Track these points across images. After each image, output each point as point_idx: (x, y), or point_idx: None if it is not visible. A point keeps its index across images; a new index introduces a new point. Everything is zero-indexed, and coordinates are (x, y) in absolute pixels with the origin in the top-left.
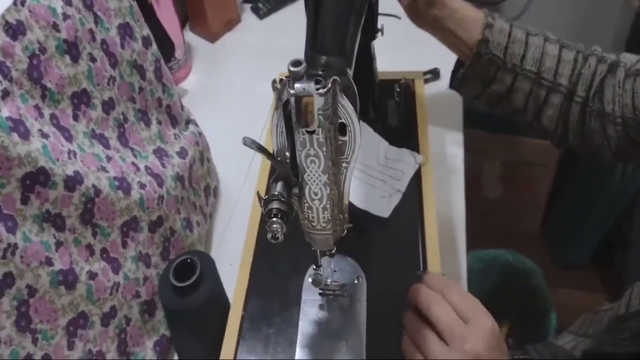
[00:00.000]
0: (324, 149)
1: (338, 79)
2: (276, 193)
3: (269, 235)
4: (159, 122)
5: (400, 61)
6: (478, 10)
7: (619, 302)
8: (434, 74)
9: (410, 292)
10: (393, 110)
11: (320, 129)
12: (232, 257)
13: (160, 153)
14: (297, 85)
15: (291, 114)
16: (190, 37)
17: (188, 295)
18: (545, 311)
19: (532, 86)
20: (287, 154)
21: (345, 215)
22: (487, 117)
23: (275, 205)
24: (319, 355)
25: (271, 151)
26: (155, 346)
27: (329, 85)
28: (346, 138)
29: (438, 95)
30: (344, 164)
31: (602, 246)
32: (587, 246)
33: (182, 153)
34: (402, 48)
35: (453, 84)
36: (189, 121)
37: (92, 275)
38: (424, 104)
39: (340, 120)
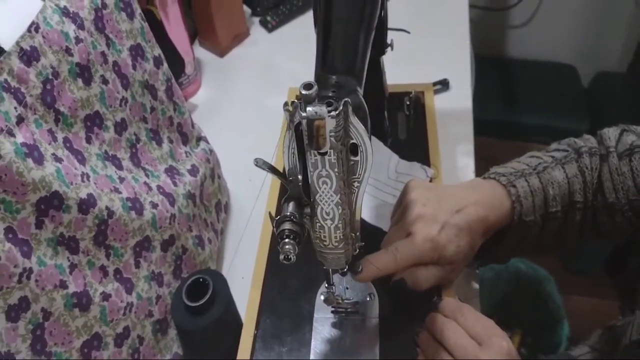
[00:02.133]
0: (336, 169)
1: (349, 100)
2: (288, 214)
3: (282, 257)
4: (170, 141)
5: (409, 72)
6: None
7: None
8: (444, 84)
9: (427, 321)
10: (403, 123)
11: (332, 151)
12: (243, 272)
13: (171, 172)
14: (309, 108)
15: (303, 135)
16: (200, 51)
17: (201, 315)
18: (558, 319)
19: (560, 220)
20: (300, 177)
21: (357, 234)
22: (496, 124)
23: (287, 226)
24: None
25: (282, 170)
26: None
27: (341, 107)
28: (358, 158)
29: (448, 105)
30: (355, 184)
31: (614, 252)
32: (600, 252)
33: (193, 171)
34: (411, 59)
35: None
36: (199, 138)
37: (106, 297)
38: (434, 116)
39: (351, 141)
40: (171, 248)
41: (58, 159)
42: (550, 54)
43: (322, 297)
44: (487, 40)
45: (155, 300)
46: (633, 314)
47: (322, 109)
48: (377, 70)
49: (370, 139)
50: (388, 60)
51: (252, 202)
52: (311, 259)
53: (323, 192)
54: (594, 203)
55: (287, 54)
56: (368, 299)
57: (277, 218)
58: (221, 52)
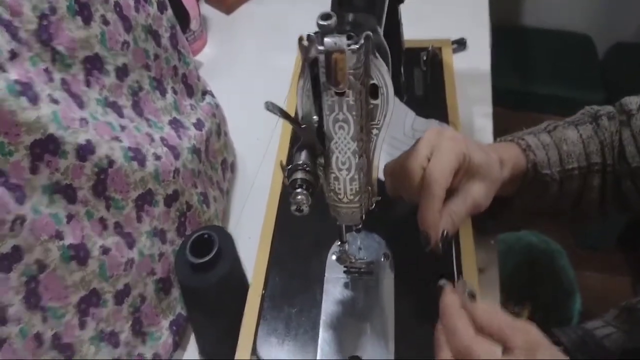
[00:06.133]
0: (354, 112)
1: (372, 34)
2: (301, 162)
3: (293, 207)
4: (175, 92)
5: (425, 31)
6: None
7: None
8: (461, 44)
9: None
10: (420, 80)
11: (350, 91)
12: (250, 232)
13: (176, 124)
14: (327, 39)
15: (319, 74)
16: (206, 8)
17: (205, 273)
18: (570, 294)
19: (578, 181)
20: (315, 117)
21: (374, 188)
22: (509, 94)
23: (299, 175)
24: (344, 337)
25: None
26: (172, 326)
27: (362, 41)
28: (378, 101)
29: (465, 66)
30: (374, 131)
31: (628, 228)
32: (613, 227)
33: (198, 124)
34: (427, 18)
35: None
36: (205, 92)
37: (105, 251)
38: (452, 73)
39: (372, 82)
40: (175, 204)
41: (54, 101)
42: (566, 24)
43: (334, 257)
44: (502, 8)
45: (158, 257)
46: None
47: (342, 40)
48: (394, 20)
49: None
50: (403, 17)
51: (259, 163)
52: (323, 216)
53: (339, 138)
54: (616, 168)
55: (298, 12)
56: (383, 259)
57: (288, 167)
58: (228, 10)
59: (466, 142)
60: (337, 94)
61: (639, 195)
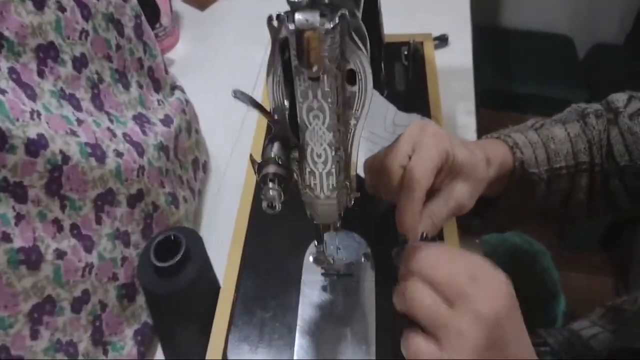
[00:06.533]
0: (330, 99)
1: (347, 13)
2: (272, 156)
3: (264, 204)
4: (140, 86)
5: (405, 27)
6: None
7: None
8: (442, 40)
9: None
10: (401, 74)
11: (325, 76)
12: (223, 236)
13: (141, 119)
14: (298, 16)
15: (290, 58)
16: (179, 5)
17: (172, 277)
18: (553, 295)
19: (566, 180)
20: (286, 103)
21: (353, 184)
22: (491, 94)
23: (271, 169)
24: (321, 342)
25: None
26: (136, 335)
27: (337, 20)
28: (356, 88)
29: (447, 62)
30: (352, 121)
31: (610, 228)
32: (595, 228)
33: (166, 121)
34: (407, 14)
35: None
36: (174, 87)
37: (60, 254)
38: (434, 68)
39: (349, 67)
40: (139, 204)
41: (1, 91)
42: (546, 25)
43: (311, 258)
44: (483, 8)
45: (121, 262)
46: (628, 293)
47: (315, 17)
48: (373, 9)
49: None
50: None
51: (233, 162)
52: (300, 214)
53: (314, 129)
54: (605, 167)
55: (274, 9)
56: (363, 259)
57: (259, 162)
58: (201, 6)
59: (450, 139)
60: (310, 79)
61: (627, 194)
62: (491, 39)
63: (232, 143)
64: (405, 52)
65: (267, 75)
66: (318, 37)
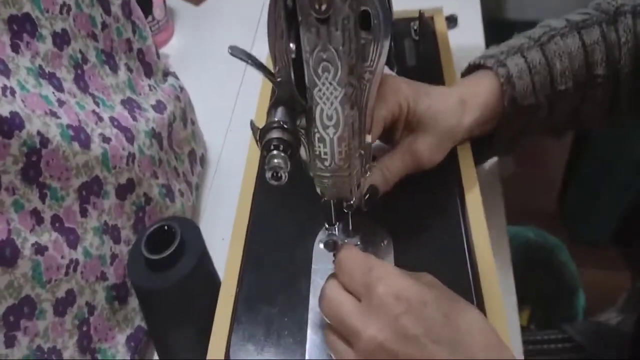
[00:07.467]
0: (342, 47)
1: None
2: (276, 120)
3: (269, 174)
4: (130, 70)
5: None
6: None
7: None
8: (451, 20)
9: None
10: (412, 49)
11: (335, 17)
12: (223, 232)
13: (130, 104)
14: None
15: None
16: (174, 0)
17: (165, 270)
18: (572, 290)
19: (574, 98)
20: (291, 55)
21: (368, 153)
22: None
23: (275, 134)
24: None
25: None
26: (129, 341)
27: None
28: (371, 36)
29: (457, 43)
30: (367, 75)
31: (622, 222)
32: (606, 222)
33: (158, 107)
34: None
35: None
36: (167, 73)
37: (40, 249)
38: (447, 42)
39: (362, 8)
40: (130, 196)
41: None
42: (552, 16)
43: (322, 244)
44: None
45: (110, 259)
46: None
47: None
48: None
49: (388, 11)
50: None
51: (232, 155)
52: (309, 196)
53: (323, 84)
54: (627, 70)
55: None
56: (382, 244)
57: (261, 128)
58: (196, 0)
59: (413, 89)
60: (318, 20)
61: None
62: (497, 31)
63: (235, 136)
64: (415, 27)
65: (268, 27)
66: None
